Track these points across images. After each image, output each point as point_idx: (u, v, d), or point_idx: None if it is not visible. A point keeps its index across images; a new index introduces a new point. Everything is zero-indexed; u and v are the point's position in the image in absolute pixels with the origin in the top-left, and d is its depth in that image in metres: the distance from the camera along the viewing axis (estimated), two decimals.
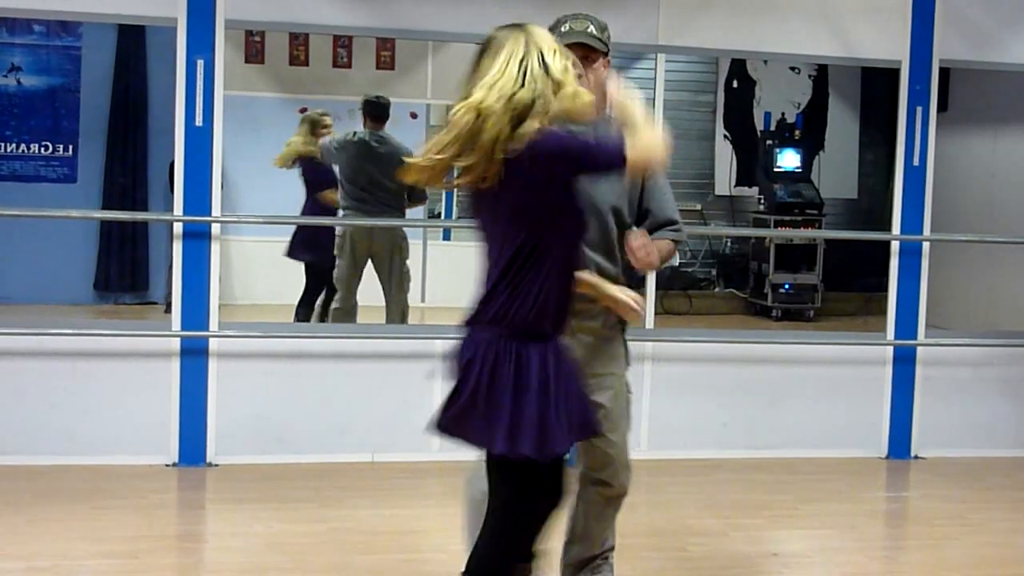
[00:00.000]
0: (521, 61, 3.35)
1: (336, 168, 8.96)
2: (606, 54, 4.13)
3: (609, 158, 3.35)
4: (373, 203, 8.57)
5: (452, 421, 3.44)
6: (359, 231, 8.54)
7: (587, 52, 4.03)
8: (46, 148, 12.02)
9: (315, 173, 9.18)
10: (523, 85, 3.32)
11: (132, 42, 12.03)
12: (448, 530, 5.91)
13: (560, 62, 3.40)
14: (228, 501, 6.44)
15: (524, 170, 3.27)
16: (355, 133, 8.95)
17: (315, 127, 9.23)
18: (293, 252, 9.16)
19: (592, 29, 4.10)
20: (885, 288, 7.84)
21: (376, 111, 9.01)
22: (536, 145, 3.27)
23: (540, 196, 3.31)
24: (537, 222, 3.33)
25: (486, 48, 3.45)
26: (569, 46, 3.77)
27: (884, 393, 7.78)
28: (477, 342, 3.40)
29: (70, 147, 12.09)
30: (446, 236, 13.10)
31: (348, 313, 8.62)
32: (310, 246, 9.09)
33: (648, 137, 3.36)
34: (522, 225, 3.33)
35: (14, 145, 11.94)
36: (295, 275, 9.21)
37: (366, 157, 8.71)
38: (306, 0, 6.98)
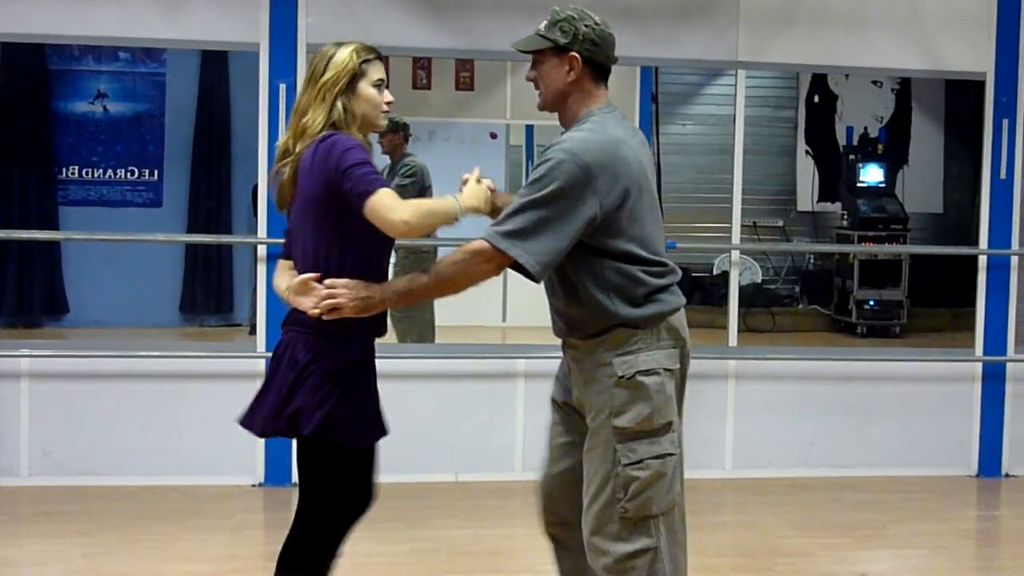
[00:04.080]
0: None
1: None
2: (561, 48, 3.62)
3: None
4: None
5: None
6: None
7: (533, 55, 3.69)
8: (132, 173, 12.20)
9: None
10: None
11: (215, 68, 12.18)
12: (533, 550, 5.91)
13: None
14: None
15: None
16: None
17: None
18: None
19: (541, 27, 3.66)
20: (973, 303, 7.73)
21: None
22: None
23: None
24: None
25: None
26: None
27: (973, 410, 7.67)
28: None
29: (155, 172, 12.26)
30: None
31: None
32: None
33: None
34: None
35: (101, 171, 12.13)
36: None
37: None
38: (386, 22, 7.04)
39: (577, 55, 3.61)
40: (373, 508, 6.52)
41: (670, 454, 3.66)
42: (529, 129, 12.85)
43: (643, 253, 3.60)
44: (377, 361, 3.84)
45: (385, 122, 3.85)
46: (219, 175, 12.33)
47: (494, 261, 3.47)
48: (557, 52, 3.62)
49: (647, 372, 3.61)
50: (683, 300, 3.74)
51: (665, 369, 3.65)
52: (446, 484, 7.06)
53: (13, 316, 11.80)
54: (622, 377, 3.59)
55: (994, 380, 7.65)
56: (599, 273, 3.58)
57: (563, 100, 3.67)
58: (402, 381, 6.92)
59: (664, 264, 3.66)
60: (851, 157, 13.64)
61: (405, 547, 5.88)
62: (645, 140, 3.81)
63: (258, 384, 6.89)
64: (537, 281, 3.53)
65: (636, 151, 3.63)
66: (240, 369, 7.00)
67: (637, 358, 3.60)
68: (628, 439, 3.59)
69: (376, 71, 3.76)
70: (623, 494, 3.59)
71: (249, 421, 3.93)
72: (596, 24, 3.65)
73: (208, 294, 12.35)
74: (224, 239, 12.27)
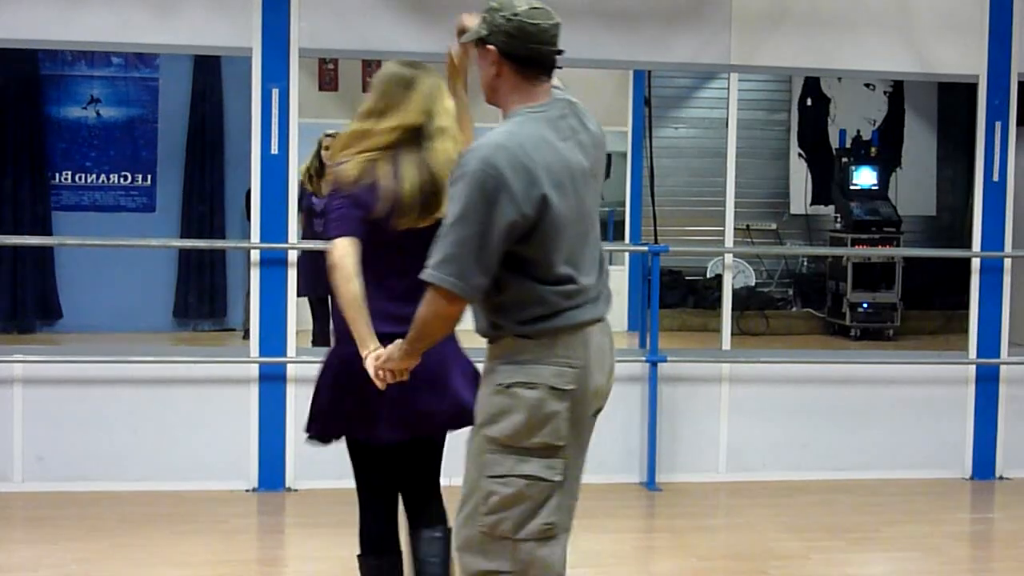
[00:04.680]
0: None
1: None
2: (483, 41, 3.45)
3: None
4: None
5: None
6: None
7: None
8: (125, 178, 12.19)
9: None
10: None
11: (208, 72, 12.18)
12: None
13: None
14: (307, 525, 6.47)
15: None
16: None
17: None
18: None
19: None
20: (966, 306, 7.73)
21: None
22: None
23: None
24: None
25: None
26: None
27: (967, 413, 7.67)
28: None
29: (148, 177, 12.25)
30: None
31: None
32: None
33: None
34: None
35: (94, 176, 12.12)
36: None
37: None
38: (379, 27, 7.05)
39: (494, 48, 3.42)
40: None
41: (542, 479, 3.36)
42: None
43: (553, 270, 3.35)
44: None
45: None
46: (212, 180, 12.32)
47: (445, 297, 3.29)
48: (483, 45, 3.45)
49: (527, 385, 3.34)
50: (590, 316, 3.43)
51: (551, 387, 3.34)
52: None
53: (6, 321, 11.78)
54: (500, 385, 3.38)
55: (988, 383, 7.66)
56: (500, 281, 3.35)
57: (494, 94, 3.51)
58: None
59: (574, 281, 3.38)
60: (844, 160, 13.66)
61: (403, 549, 5.85)
62: (593, 140, 3.51)
63: (253, 389, 6.94)
64: (470, 301, 3.35)
65: (563, 154, 3.38)
66: (233, 374, 6.99)
67: (522, 368, 3.36)
68: (497, 450, 3.37)
69: None
70: (483, 507, 3.39)
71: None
72: (515, 15, 3.38)
73: (201, 299, 12.34)
74: (217, 244, 12.25)
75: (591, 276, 3.45)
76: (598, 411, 3.55)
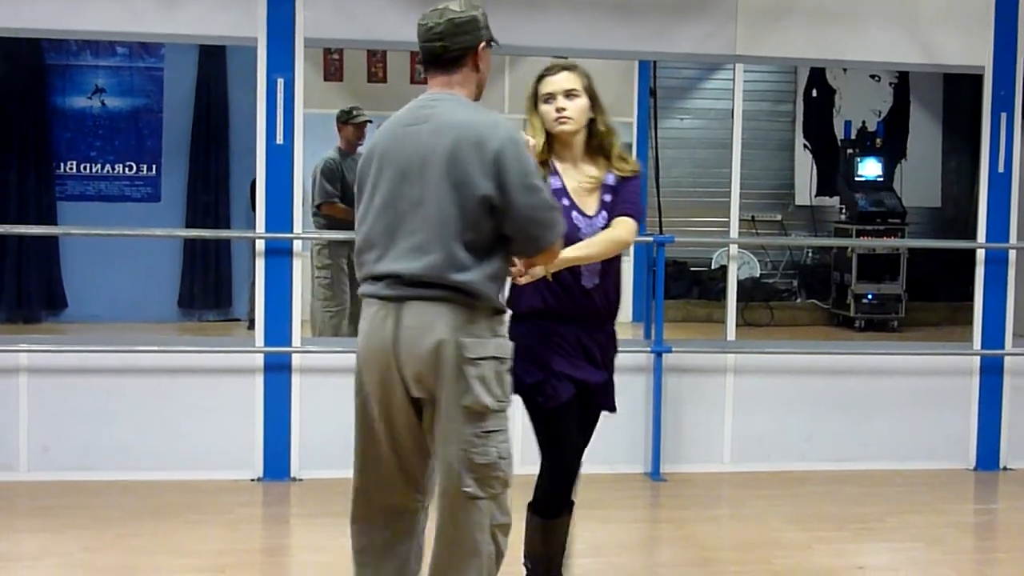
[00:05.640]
0: None
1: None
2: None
3: None
4: None
5: None
6: None
7: None
8: (130, 168, 12.19)
9: None
10: None
11: (213, 62, 12.17)
12: None
13: None
14: (312, 515, 6.48)
15: None
16: None
17: None
18: None
19: None
20: (970, 297, 7.73)
21: None
22: None
23: None
24: None
25: None
26: None
27: (971, 404, 7.67)
28: None
29: (154, 167, 12.25)
30: None
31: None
32: None
33: None
34: None
35: (99, 166, 12.12)
36: None
37: None
38: (384, 17, 7.03)
39: None
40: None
41: None
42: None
43: (358, 242, 3.72)
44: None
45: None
46: (217, 170, 12.32)
47: None
48: None
49: None
50: (366, 292, 3.68)
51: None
52: None
53: (12, 311, 11.80)
54: None
55: (992, 374, 7.66)
56: None
57: None
58: None
59: (362, 257, 3.68)
60: (849, 151, 13.64)
61: None
62: (432, 130, 3.62)
63: (259, 379, 6.95)
64: None
65: (393, 138, 3.69)
66: (239, 364, 7.00)
67: None
68: None
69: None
70: None
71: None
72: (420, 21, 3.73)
73: (206, 289, 12.35)
74: (222, 234, 12.26)
75: (388, 256, 3.60)
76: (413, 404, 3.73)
